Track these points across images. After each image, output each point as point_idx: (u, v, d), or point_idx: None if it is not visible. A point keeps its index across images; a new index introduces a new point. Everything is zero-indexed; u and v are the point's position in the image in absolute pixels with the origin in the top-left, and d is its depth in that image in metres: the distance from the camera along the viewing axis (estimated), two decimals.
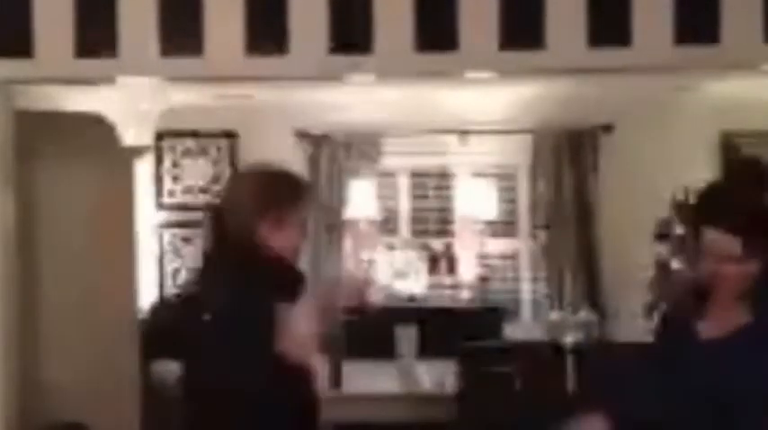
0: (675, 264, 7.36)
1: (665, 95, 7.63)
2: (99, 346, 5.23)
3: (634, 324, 7.45)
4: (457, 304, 7.70)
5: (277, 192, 3.03)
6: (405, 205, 8.08)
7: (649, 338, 7.55)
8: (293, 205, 3.01)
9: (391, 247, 7.97)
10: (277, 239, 2.95)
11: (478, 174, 7.98)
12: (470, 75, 5.77)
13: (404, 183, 8.09)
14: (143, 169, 6.92)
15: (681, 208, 6.86)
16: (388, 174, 8.03)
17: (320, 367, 2.72)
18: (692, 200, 7.33)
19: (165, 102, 7.63)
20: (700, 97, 7.62)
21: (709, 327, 2.96)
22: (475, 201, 7.93)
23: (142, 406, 5.50)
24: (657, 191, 7.46)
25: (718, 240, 2.89)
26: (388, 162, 7.97)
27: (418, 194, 8.09)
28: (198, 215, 7.38)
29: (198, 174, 7.87)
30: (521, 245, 8.04)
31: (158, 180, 7.89)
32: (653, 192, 7.47)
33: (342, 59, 5.14)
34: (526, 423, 5.09)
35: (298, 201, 3.02)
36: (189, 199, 7.86)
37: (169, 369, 5.46)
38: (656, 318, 7.42)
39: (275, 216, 2.96)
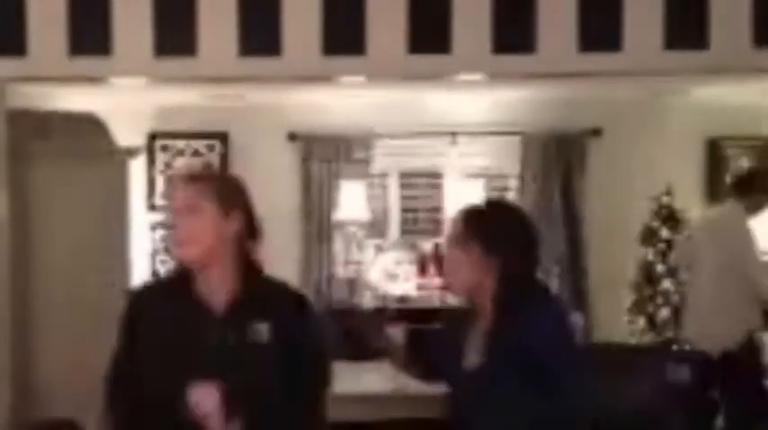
0: (660, 267, 7.43)
1: (654, 100, 7.69)
2: (90, 344, 5.24)
3: (619, 325, 7.52)
4: (446, 305, 7.73)
5: None
6: (395, 206, 8.12)
7: (633, 339, 7.65)
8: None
9: (381, 248, 8.01)
10: None
11: (468, 176, 8.03)
12: (461, 77, 5.81)
13: (394, 185, 8.13)
14: (136, 169, 6.94)
15: None
16: (379, 176, 8.07)
17: None
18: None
19: (157, 102, 7.66)
20: (688, 102, 7.68)
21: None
22: (464, 202, 7.94)
23: None
24: (645, 194, 7.53)
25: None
26: (379, 163, 8.01)
27: (408, 195, 8.13)
28: None
29: None
30: None
31: (151, 180, 7.91)
32: (640, 196, 7.54)
33: (334, 60, 5.17)
34: None
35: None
36: None
37: None
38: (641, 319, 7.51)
39: None
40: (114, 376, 3.02)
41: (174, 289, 2.95)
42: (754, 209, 5.91)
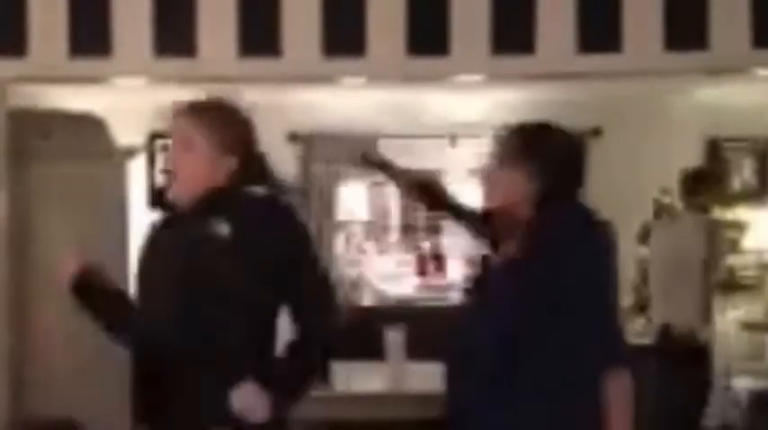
0: None
1: (654, 100, 7.69)
2: (89, 342, 5.25)
3: None
4: (445, 305, 7.74)
5: None
6: (395, 207, 8.12)
7: (633, 339, 7.67)
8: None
9: (381, 249, 8.01)
10: None
11: (468, 177, 8.03)
12: (461, 78, 5.82)
13: (394, 186, 8.12)
14: (136, 169, 6.94)
15: None
16: (379, 177, 8.06)
17: None
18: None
19: (157, 102, 7.66)
20: (688, 102, 7.68)
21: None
22: (464, 203, 7.97)
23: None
24: (645, 194, 7.53)
25: None
26: None
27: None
28: None
29: None
30: None
31: (151, 180, 7.91)
32: (640, 196, 7.54)
33: (334, 61, 5.18)
34: None
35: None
36: None
37: None
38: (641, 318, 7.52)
39: None
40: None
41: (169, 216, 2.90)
42: (699, 209, 6.01)
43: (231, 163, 2.81)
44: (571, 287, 2.74)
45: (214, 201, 2.77)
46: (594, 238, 2.89)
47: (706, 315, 6.00)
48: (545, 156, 2.86)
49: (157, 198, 7.96)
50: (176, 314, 2.73)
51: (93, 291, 2.93)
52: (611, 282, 2.87)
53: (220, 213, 2.74)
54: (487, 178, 2.96)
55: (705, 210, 6.10)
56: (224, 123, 2.84)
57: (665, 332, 5.96)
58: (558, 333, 2.72)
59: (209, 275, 2.69)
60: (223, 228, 2.71)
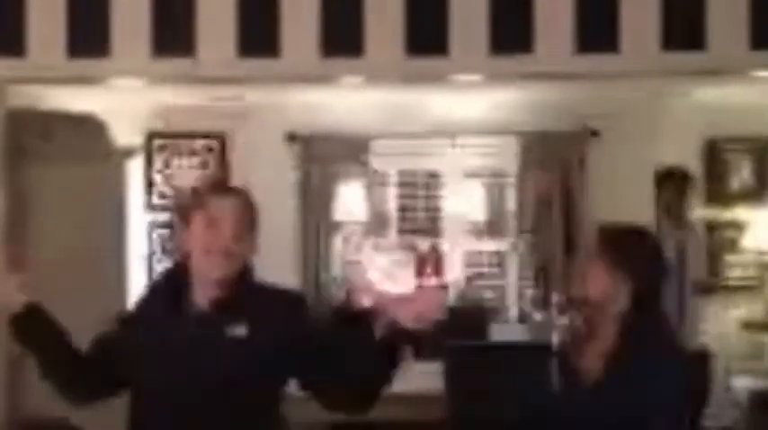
0: None
1: (652, 101, 7.69)
2: (87, 343, 5.25)
3: None
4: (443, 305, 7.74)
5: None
6: (393, 207, 8.12)
7: None
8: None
9: (379, 248, 8.01)
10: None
11: (466, 177, 8.03)
12: (460, 78, 5.82)
13: (392, 185, 8.13)
14: (134, 169, 6.95)
15: None
16: (377, 176, 8.07)
17: None
18: None
19: (156, 102, 7.66)
20: (686, 103, 7.68)
21: None
22: (463, 202, 7.99)
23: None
24: (643, 195, 7.52)
25: None
26: (378, 164, 8.02)
27: (406, 196, 8.14)
28: None
29: (188, 175, 7.89)
30: (508, 246, 8.09)
31: (149, 180, 7.91)
32: (638, 197, 7.53)
33: (333, 62, 5.18)
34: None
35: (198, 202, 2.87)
36: None
37: None
38: None
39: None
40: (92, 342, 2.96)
41: (168, 296, 2.87)
42: (664, 207, 6.04)
43: (254, 244, 2.88)
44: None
45: (232, 298, 2.81)
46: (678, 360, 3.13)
47: (683, 319, 5.99)
48: (636, 254, 3.14)
49: (158, 198, 7.95)
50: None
51: (39, 327, 2.94)
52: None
53: (238, 312, 2.79)
54: (584, 271, 3.18)
55: (669, 210, 6.11)
56: (255, 212, 2.88)
57: None
58: None
59: (226, 373, 2.76)
60: (241, 330, 2.76)
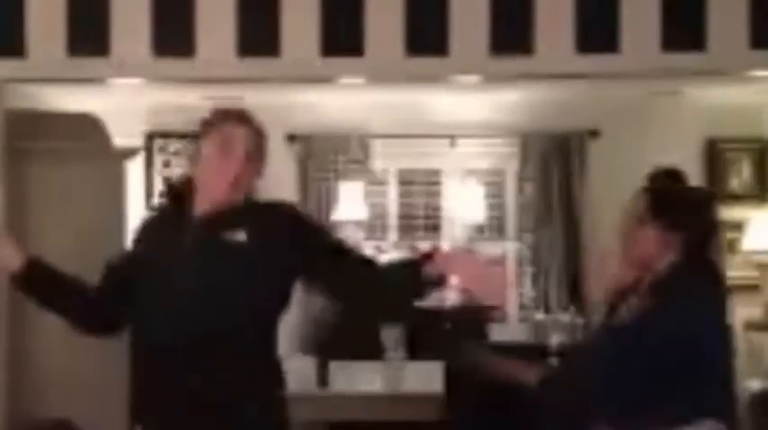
0: None
1: (652, 101, 7.69)
2: (85, 343, 5.24)
3: None
4: (443, 305, 7.74)
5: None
6: (393, 207, 8.13)
7: None
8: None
9: (379, 249, 8.01)
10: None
11: (467, 177, 8.04)
12: (460, 79, 5.82)
13: (393, 185, 8.13)
14: (133, 170, 6.94)
15: None
16: (377, 176, 8.07)
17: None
18: None
19: (155, 102, 7.66)
20: (686, 103, 7.68)
21: None
22: (463, 203, 7.99)
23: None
24: None
25: None
26: (377, 164, 8.02)
27: (406, 196, 8.14)
28: None
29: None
30: (508, 247, 8.10)
31: (148, 180, 7.91)
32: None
33: (333, 62, 5.18)
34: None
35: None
36: None
37: None
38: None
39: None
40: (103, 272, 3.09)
41: (172, 212, 3.03)
42: None
43: (259, 169, 3.03)
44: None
45: (230, 209, 2.95)
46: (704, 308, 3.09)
47: None
48: (683, 210, 3.14)
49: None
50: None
51: (40, 280, 3.05)
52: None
53: (236, 221, 2.92)
54: (626, 236, 3.19)
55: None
56: (262, 140, 3.04)
57: None
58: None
59: (226, 279, 2.89)
60: (239, 236, 2.90)
